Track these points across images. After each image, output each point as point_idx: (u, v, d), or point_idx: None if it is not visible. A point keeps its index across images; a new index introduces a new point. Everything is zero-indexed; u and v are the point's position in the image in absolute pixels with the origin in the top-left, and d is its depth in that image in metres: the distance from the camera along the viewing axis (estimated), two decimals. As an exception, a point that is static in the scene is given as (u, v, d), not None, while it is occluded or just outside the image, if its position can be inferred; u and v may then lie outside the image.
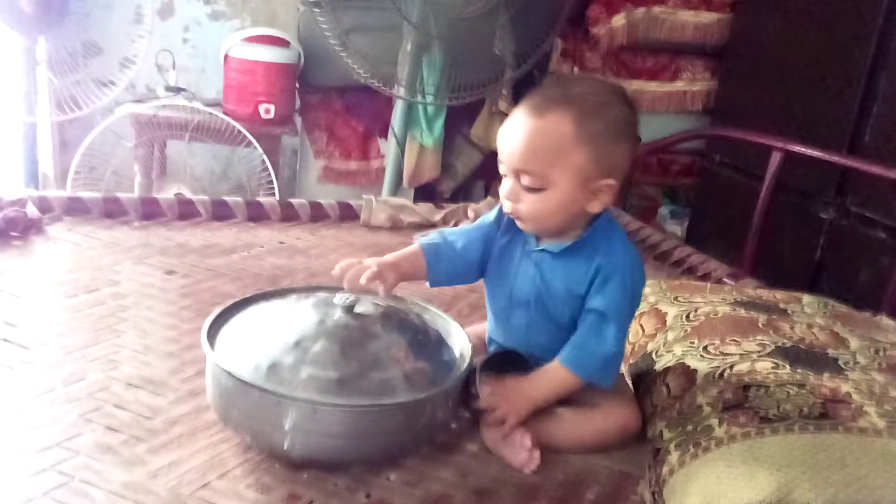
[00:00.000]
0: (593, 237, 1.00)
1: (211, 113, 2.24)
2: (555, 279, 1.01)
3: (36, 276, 1.36)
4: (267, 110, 2.30)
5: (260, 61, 2.31)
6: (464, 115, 2.58)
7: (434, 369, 0.95)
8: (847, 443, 0.86)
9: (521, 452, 0.94)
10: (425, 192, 2.58)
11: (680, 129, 2.51)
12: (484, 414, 0.98)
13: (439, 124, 2.49)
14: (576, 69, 2.67)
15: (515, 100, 2.19)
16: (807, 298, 1.32)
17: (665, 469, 0.92)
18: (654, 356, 1.16)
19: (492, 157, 1.02)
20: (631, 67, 2.75)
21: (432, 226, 1.87)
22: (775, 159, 1.86)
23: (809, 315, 1.23)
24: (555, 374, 0.99)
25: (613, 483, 0.94)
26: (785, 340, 1.10)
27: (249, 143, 2.25)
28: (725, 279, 1.65)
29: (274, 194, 2.29)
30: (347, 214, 1.89)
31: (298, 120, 2.58)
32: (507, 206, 0.99)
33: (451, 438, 0.99)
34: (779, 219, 2.03)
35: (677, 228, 2.81)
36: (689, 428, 0.95)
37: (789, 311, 1.23)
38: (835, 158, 1.91)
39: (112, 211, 1.69)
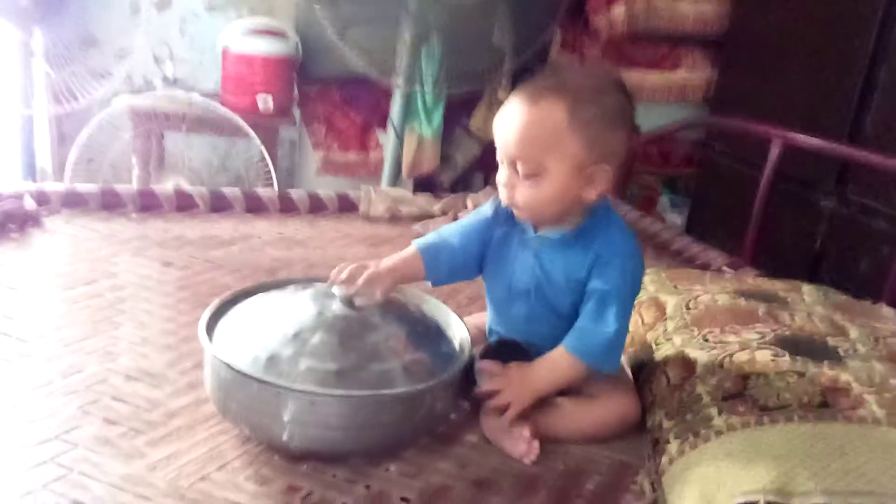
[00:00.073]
0: (591, 226, 1.00)
1: (209, 105, 2.23)
2: (554, 268, 1.01)
3: (34, 269, 1.35)
4: (265, 102, 2.29)
5: (258, 53, 2.29)
6: (463, 106, 2.57)
7: (433, 360, 0.94)
8: (846, 432, 0.86)
9: (520, 443, 0.94)
10: (424, 184, 2.58)
11: (680, 119, 2.49)
12: (485, 402, 0.98)
13: (438, 115, 2.48)
14: (575, 59, 2.66)
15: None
16: (806, 288, 1.32)
17: (664, 459, 0.92)
18: (653, 346, 1.16)
19: (491, 148, 1.02)
20: (631, 58, 2.74)
21: (431, 217, 1.87)
22: (775, 149, 1.85)
23: (809, 304, 1.23)
24: (559, 362, 0.98)
25: (613, 473, 0.94)
26: (784, 330, 1.10)
27: (248, 135, 2.24)
28: (725, 268, 1.65)
29: (272, 186, 2.28)
30: (346, 206, 1.88)
31: (297, 112, 2.57)
32: (504, 195, 0.99)
33: (451, 429, 0.99)
34: (779, 208, 2.02)
35: (677, 218, 2.80)
36: (689, 417, 0.95)
37: (789, 301, 1.23)
38: (835, 148, 1.91)
39: (110, 203, 1.68)
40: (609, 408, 1.00)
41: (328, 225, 1.78)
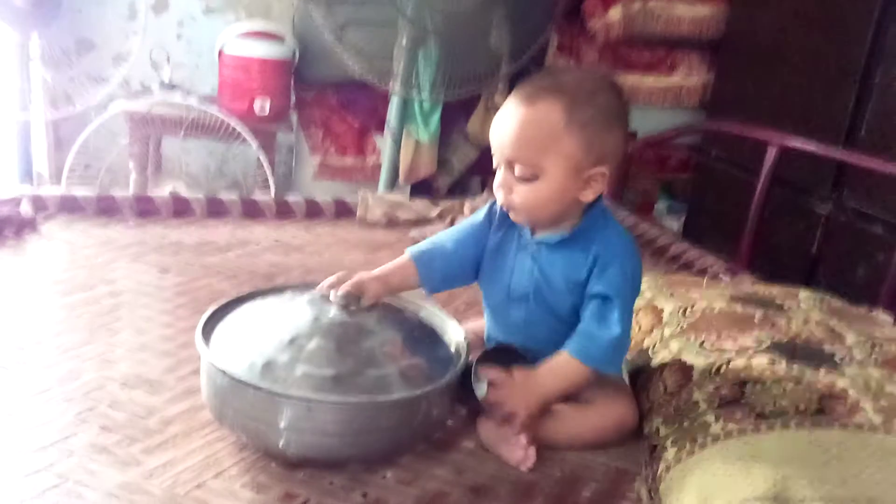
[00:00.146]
0: (588, 227, 1.00)
1: (206, 109, 2.23)
2: (553, 271, 1.00)
3: (30, 275, 1.35)
4: (262, 106, 2.29)
5: (255, 57, 2.29)
6: (460, 111, 2.57)
7: (430, 366, 0.94)
8: (843, 438, 0.86)
9: (517, 450, 0.94)
10: (421, 188, 2.58)
11: (676, 123, 2.50)
12: (487, 410, 0.97)
13: (435, 120, 2.48)
14: (572, 63, 2.67)
15: (511, 95, 2.19)
16: (803, 293, 1.32)
17: (661, 465, 0.92)
18: (650, 352, 1.16)
19: (488, 152, 1.02)
20: (627, 61, 2.74)
21: (428, 222, 1.87)
22: (771, 154, 1.86)
23: (806, 310, 1.23)
24: (564, 367, 0.97)
25: (610, 480, 0.94)
26: (781, 336, 1.10)
27: (245, 140, 2.24)
28: (722, 274, 1.65)
29: (270, 191, 2.28)
30: (343, 211, 1.88)
31: (294, 116, 2.57)
32: (501, 197, 0.99)
33: (447, 436, 0.99)
34: (775, 213, 2.02)
35: (674, 223, 2.81)
36: (686, 424, 0.95)
37: (786, 307, 1.23)
38: (831, 153, 1.91)
39: (107, 209, 1.68)
40: (606, 414, 1.00)
41: (325, 230, 1.78)
